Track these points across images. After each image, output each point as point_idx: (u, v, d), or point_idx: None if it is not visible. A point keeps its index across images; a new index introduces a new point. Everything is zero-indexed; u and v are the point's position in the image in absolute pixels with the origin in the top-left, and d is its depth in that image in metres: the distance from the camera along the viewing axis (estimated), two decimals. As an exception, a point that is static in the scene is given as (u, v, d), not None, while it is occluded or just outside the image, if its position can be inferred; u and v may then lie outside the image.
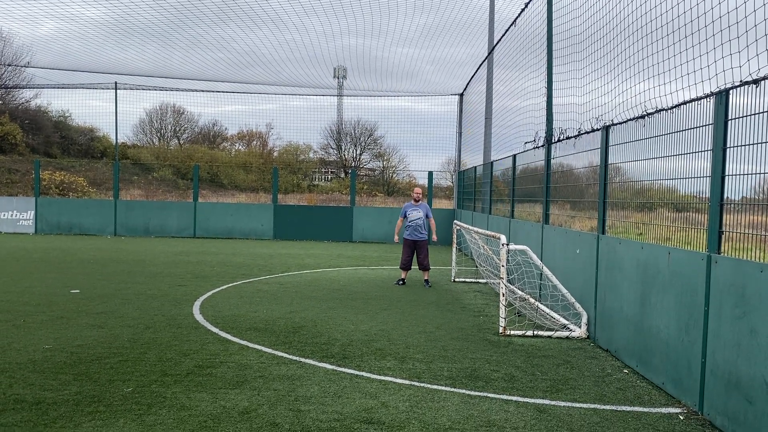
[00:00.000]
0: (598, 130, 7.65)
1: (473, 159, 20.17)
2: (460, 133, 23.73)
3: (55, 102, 43.79)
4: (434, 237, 12.35)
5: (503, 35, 15.46)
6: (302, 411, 4.83)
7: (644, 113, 6.34)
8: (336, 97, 33.52)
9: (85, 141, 45.33)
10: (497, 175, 14.89)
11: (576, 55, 9.09)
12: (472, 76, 20.81)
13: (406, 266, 11.85)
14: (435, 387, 5.55)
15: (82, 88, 23.59)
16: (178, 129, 51.32)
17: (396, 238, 12.25)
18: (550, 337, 7.67)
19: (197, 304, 9.13)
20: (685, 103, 5.55)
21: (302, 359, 6.29)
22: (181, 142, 50.61)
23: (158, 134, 50.82)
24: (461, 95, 23.63)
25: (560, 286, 7.93)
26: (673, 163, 5.88)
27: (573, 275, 8.28)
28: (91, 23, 20.60)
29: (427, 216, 11.89)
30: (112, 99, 22.92)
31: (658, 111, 6.10)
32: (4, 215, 21.37)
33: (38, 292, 9.75)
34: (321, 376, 5.76)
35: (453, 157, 26.27)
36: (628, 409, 5.16)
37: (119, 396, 5.06)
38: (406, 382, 5.67)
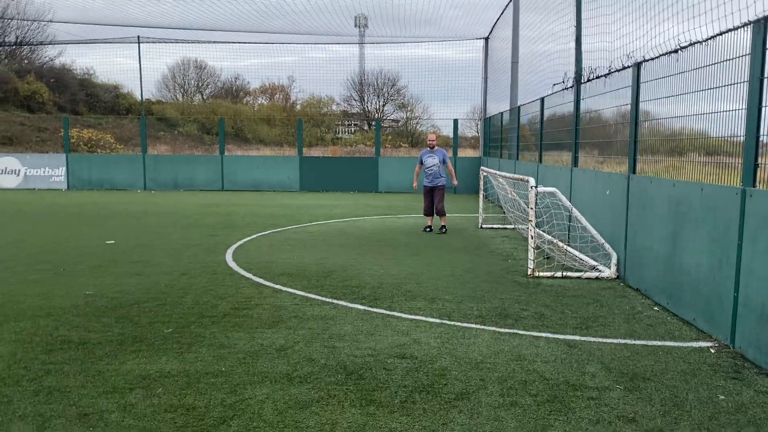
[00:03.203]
0: (629, 67, 7.47)
1: (499, 107, 19.88)
2: (486, 79, 23.33)
3: (79, 60, 43.97)
4: (454, 181, 12.30)
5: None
6: (337, 347, 4.96)
7: (678, 47, 6.17)
8: (357, 47, 33.06)
9: (111, 98, 45.59)
10: (524, 121, 14.69)
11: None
12: (497, 20, 20.31)
13: (428, 213, 11.88)
14: (465, 325, 5.64)
15: (105, 43, 23.66)
16: (200, 84, 51.29)
17: (415, 184, 12.23)
18: (579, 278, 7.69)
19: (230, 252, 9.31)
20: (721, 33, 5.38)
21: (335, 301, 6.42)
22: (205, 97, 50.66)
23: (182, 90, 50.87)
24: (486, 39, 23.13)
25: (590, 227, 7.91)
26: (707, 100, 5.74)
27: (602, 217, 8.23)
28: None
29: (444, 161, 11.80)
30: (134, 55, 22.99)
31: (693, 44, 5.93)
32: (37, 172, 21.81)
33: (75, 245, 10.02)
34: (354, 316, 5.89)
35: (478, 105, 25.91)
36: (659, 343, 5.20)
37: (160, 336, 5.25)
38: (437, 320, 5.77)
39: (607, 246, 7.84)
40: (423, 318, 5.85)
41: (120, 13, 22.92)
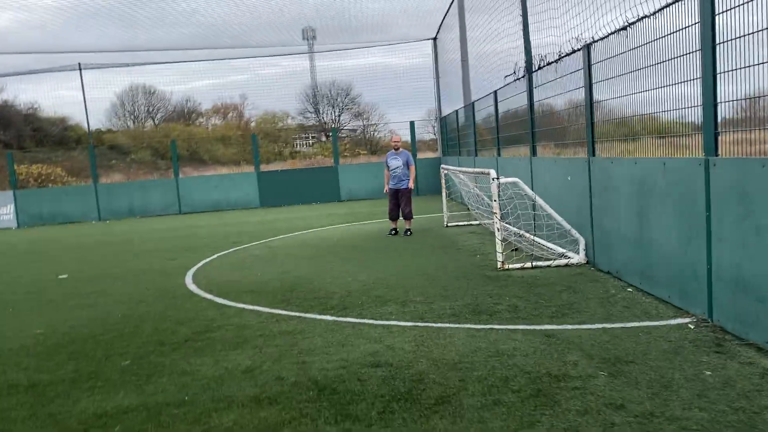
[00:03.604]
0: (579, 50, 7.41)
1: (454, 107, 19.86)
2: (437, 79, 23.32)
3: (23, 95, 42.54)
4: (410, 184, 11.55)
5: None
6: (307, 362, 4.70)
7: (626, 23, 6.10)
8: (308, 61, 32.81)
9: (59, 131, 44.30)
10: (479, 119, 14.64)
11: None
12: (443, 19, 20.33)
13: (393, 216, 11.67)
14: (439, 325, 5.43)
15: (46, 72, 22.85)
16: (151, 109, 50.34)
17: (386, 189, 11.92)
18: (548, 266, 7.58)
19: (189, 274, 8.94)
20: (668, 5, 5.31)
21: (302, 314, 6.14)
22: (156, 122, 49.71)
23: (132, 116, 49.86)
24: (434, 39, 23.14)
25: (554, 214, 7.80)
26: (662, 77, 5.67)
27: (567, 203, 8.14)
28: (48, 10, 19.84)
29: (407, 164, 11.60)
30: (79, 87, 22.28)
31: (640, 19, 5.86)
32: (-17, 213, 20.93)
33: (26, 281, 9.51)
34: (323, 327, 5.63)
35: (433, 108, 25.92)
36: (637, 324, 5.08)
37: (117, 370, 4.91)
38: (410, 324, 5.55)
39: (573, 232, 7.74)
40: (395, 322, 5.62)
41: (61, 41, 22.22)
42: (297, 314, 6.16)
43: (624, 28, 6.18)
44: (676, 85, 5.33)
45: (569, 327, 5.13)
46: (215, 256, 10.61)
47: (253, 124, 46.09)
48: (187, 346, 5.37)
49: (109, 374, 4.81)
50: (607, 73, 6.78)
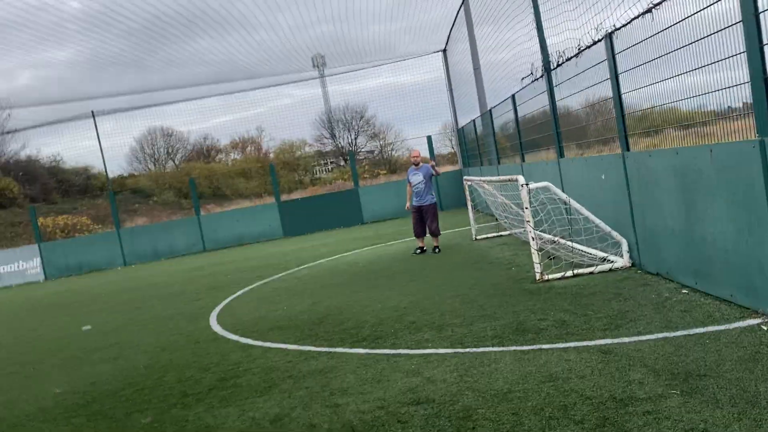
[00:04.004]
0: (600, 40, 6.97)
1: (471, 117, 19.45)
2: (451, 91, 22.95)
3: (45, 149, 43.21)
4: (437, 171, 11.58)
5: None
6: (340, 405, 4.27)
7: (650, 5, 5.66)
8: (320, 88, 32.87)
9: (82, 181, 44.89)
10: (498, 126, 14.20)
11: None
12: (452, 26, 20.01)
13: (418, 234, 11.25)
14: (481, 350, 4.97)
15: (62, 122, 23.07)
16: (170, 150, 50.84)
17: (408, 205, 11.51)
18: (591, 273, 7.07)
19: (214, 314, 8.60)
20: (698, -22, 4.86)
21: (332, 349, 5.73)
22: (177, 162, 50.17)
23: (152, 159, 50.42)
24: (444, 51, 22.83)
25: (592, 217, 7.31)
26: (696, 59, 5.20)
27: (603, 204, 7.64)
28: (64, 64, 20.12)
29: (429, 176, 11.18)
30: (97, 134, 22.44)
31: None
32: (10, 267, 20.94)
33: (49, 337, 9.25)
34: (355, 362, 5.20)
35: (449, 122, 25.58)
36: (702, 330, 4.56)
37: (138, 429, 4.53)
38: (450, 350, 5.09)
39: (614, 234, 7.23)
40: (433, 351, 5.17)
41: (77, 93, 22.53)
42: (327, 349, 5.74)
43: (648, 11, 5.74)
44: (715, 66, 4.87)
45: (626, 340, 4.63)
46: (240, 292, 10.27)
47: (271, 155, 46.22)
48: (212, 396, 4.98)
49: (130, 435, 4.44)
50: (635, 61, 6.33)
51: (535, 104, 10.44)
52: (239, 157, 49.65)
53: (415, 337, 5.67)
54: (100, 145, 21.96)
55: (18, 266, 20.93)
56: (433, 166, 11.40)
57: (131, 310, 10.54)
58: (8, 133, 36.27)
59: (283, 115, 33.81)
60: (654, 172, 6.14)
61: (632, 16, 6.15)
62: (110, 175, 42.94)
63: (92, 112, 21.48)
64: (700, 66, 5.04)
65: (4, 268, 20.92)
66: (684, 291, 5.70)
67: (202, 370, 5.80)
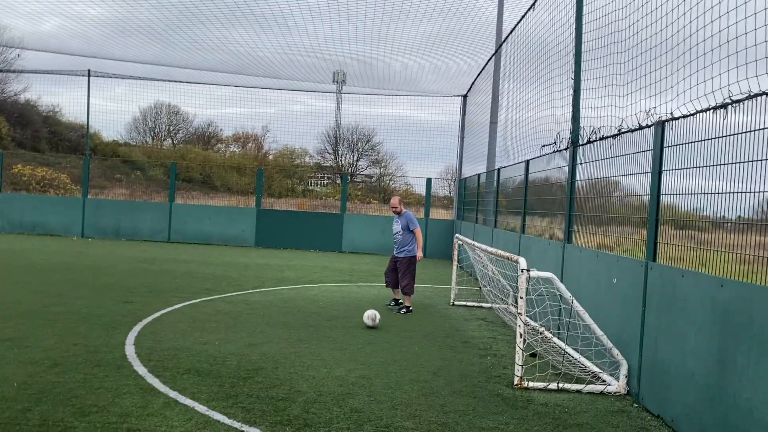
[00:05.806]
0: (649, 126, 5.93)
1: (475, 168, 18.48)
2: (462, 138, 22.01)
3: (46, 98, 41.74)
4: (419, 254, 9.81)
5: (512, 30, 13.79)
6: None
7: (729, 99, 4.61)
8: (335, 103, 32.14)
9: (76, 137, 43.49)
10: (504, 187, 13.16)
11: (607, 58, 7.39)
12: (477, 76, 19.16)
13: (389, 284, 10.05)
14: (430, 485, 3.77)
15: (69, 74, 21.80)
16: (172, 128, 49.70)
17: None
18: (579, 392, 5.92)
19: (136, 329, 7.34)
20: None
21: (246, 428, 4.50)
22: (175, 142, 49.02)
23: (152, 133, 49.24)
24: (465, 97, 21.95)
25: (594, 326, 6.17)
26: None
27: (607, 311, 6.53)
28: (92, 22, 19.23)
29: (408, 229, 9.85)
30: (105, 95, 21.36)
31: (752, 96, 4.38)
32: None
33: (-54, 307, 7.94)
34: (265, 459, 3.98)
35: (452, 166, 24.68)
36: None
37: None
38: (389, 474, 3.89)
39: (615, 352, 6.09)
40: (368, 467, 3.97)
41: (94, 50, 21.47)
42: (239, 426, 4.51)
43: (724, 106, 4.70)
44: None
45: None
46: (179, 305, 9.00)
47: (270, 157, 45.07)
48: (68, 464, 3.73)
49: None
50: (686, 159, 5.29)
51: (549, 176, 9.40)
52: (238, 151, 48.54)
53: (353, 435, 4.47)
54: (87, 105, 20.75)
55: (-33, 211, 19.50)
56: (415, 223, 10.05)
57: (53, 295, 9.24)
58: (13, 71, 34.98)
59: (291, 121, 32.93)
60: (684, 297, 5.04)
61: (697, 109, 5.13)
62: (106, 140, 41.57)
63: (88, 71, 20.30)
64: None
65: (-48, 209, 19.48)
66: (692, 454, 4.56)
67: (78, 414, 4.54)
